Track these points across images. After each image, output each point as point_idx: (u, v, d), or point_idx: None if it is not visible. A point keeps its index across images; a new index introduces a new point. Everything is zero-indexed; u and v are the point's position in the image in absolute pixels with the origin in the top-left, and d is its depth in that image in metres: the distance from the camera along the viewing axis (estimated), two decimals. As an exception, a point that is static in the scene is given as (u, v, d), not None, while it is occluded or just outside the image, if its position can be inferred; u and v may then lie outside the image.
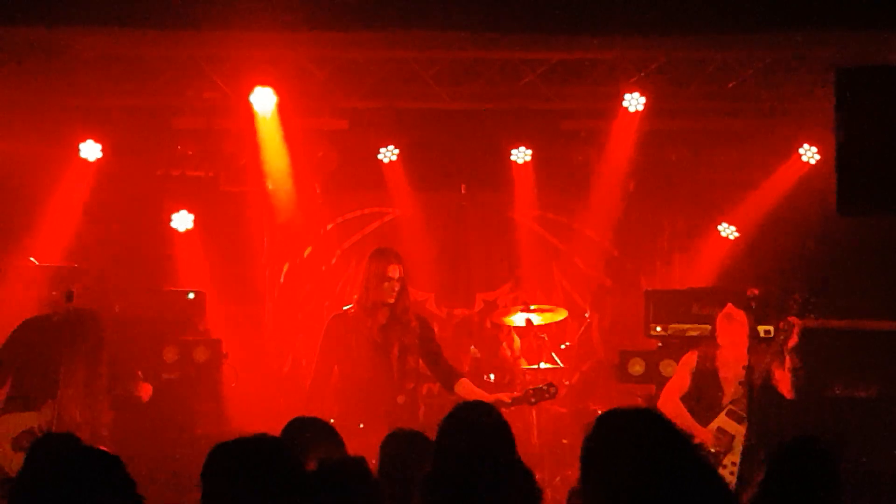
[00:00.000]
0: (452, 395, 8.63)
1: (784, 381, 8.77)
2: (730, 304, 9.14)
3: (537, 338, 11.76)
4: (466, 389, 8.49)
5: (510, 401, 8.39)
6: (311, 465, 4.80)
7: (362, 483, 4.69)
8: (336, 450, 5.50)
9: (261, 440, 3.80)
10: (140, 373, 9.11)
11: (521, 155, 12.31)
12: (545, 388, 8.56)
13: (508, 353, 11.49)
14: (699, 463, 3.74)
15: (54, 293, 9.64)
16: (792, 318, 8.65)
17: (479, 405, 5.14)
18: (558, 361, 11.65)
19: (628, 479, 3.60)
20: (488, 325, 12.10)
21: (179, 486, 9.15)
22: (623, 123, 11.72)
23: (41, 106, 11.51)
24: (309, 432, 5.60)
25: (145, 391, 9.10)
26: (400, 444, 5.58)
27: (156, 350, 11.26)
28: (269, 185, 12.46)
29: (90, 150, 11.88)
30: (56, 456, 4.55)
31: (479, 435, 4.84)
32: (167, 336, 11.33)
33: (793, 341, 8.66)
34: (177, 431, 11.10)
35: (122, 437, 10.49)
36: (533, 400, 8.62)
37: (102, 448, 5.33)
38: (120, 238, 12.04)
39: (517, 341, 11.62)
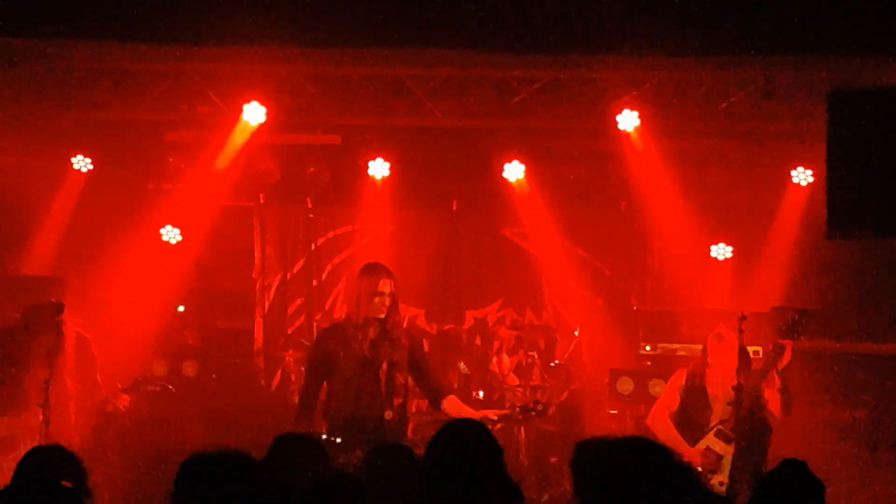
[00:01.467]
0: (440, 412, 8.61)
1: (774, 402, 8.77)
2: (721, 325, 9.15)
3: (527, 356, 11.78)
4: (454, 406, 8.46)
5: (497, 418, 8.36)
6: (302, 481, 4.79)
7: (354, 499, 4.69)
8: (324, 465, 5.50)
9: (231, 456, 3.74)
10: (119, 384, 9.07)
11: (513, 172, 12.32)
12: (532, 405, 8.53)
13: (497, 370, 11.49)
14: (696, 486, 3.77)
15: (43, 305, 9.63)
16: (783, 340, 8.65)
17: (468, 423, 5.15)
18: (547, 378, 11.68)
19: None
20: (477, 342, 12.10)
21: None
22: (615, 143, 11.74)
23: (34, 118, 11.52)
24: (297, 448, 5.59)
25: (121, 401, 9.05)
26: (385, 458, 5.57)
27: (145, 363, 11.25)
28: (261, 200, 12.47)
29: (82, 163, 11.90)
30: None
31: (467, 452, 4.84)
32: (156, 349, 11.32)
33: (783, 362, 8.66)
34: (164, 445, 11.08)
35: (109, 450, 10.50)
36: (520, 417, 8.60)
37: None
38: (110, 251, 12.03)
39: (506, 359, 11.62)
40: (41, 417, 8.43)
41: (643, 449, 3.86)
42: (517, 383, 11.19)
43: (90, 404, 9.00)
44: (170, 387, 10.14)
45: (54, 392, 8.53)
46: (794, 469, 4.62)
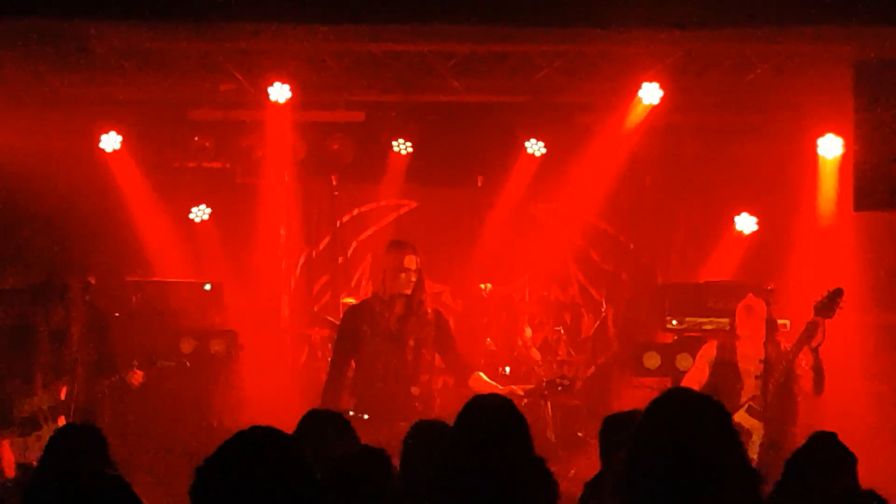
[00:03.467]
0: (466, 388, 8.62)
1: (806, 379, 8.72)
2: (750, 295, 9.09)
3: (553, 331, 11.78)
4: (480, 383, 8.48)
5: (523, 393, 8.37)
6: (330, 458, 4.80)
7: (384, 475, 4.70)
8: (351, 442, 5.51)
9: (262, 435, 3.72)
10: (136, 361, 9.06)
11: (536, 148, 12.30)
12: (559, 380, 8.53)
13: (520, 342, 11.47)
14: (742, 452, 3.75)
15: (70, 282, 9.67)
16: (817, 318, 8.57)
17: (495, 398, 5.14)
18: (573, 353, 11.68)
19: (680, 460, 3.59)
20: (504, 317, 12.09)
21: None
22: (639, 116, 11.71)
23: (60, 98, 11.55)
24: (325, 425, 5.61)
25: (135, 378, 9.03)
26: (425, 435, 5.56)
27: (172, 341, 11.29)
28: (286, 178, 12.49)
29: (109, 142, 11.93)
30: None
31: (495, 428, 4.84)
32: (184, 327, 11.36)
33: (817, 340, 8.59)
34: (192, 422, 11.14)
35: (137, 426, 10.57)
36: (546, 392, 8.61)
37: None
38: (137, 229, 12.08)
39: (528, 331, 11.60)
40: (67, 394, 8.50)
41: (682, 399, 3.83)
42: (540, 359, 11.18)
43: (107, 382, 9.00)
44: (186, 363, 10.10)
45: (82, 368, 8.60)
46: (826, 442, 4.58)
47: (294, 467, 3.54)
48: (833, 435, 4.66)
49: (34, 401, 8.64)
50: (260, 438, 3.59)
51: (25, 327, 8.85)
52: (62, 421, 8.46)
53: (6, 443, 8.48)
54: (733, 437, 3.75)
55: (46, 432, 8.25)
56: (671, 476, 3.61)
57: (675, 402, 3.83)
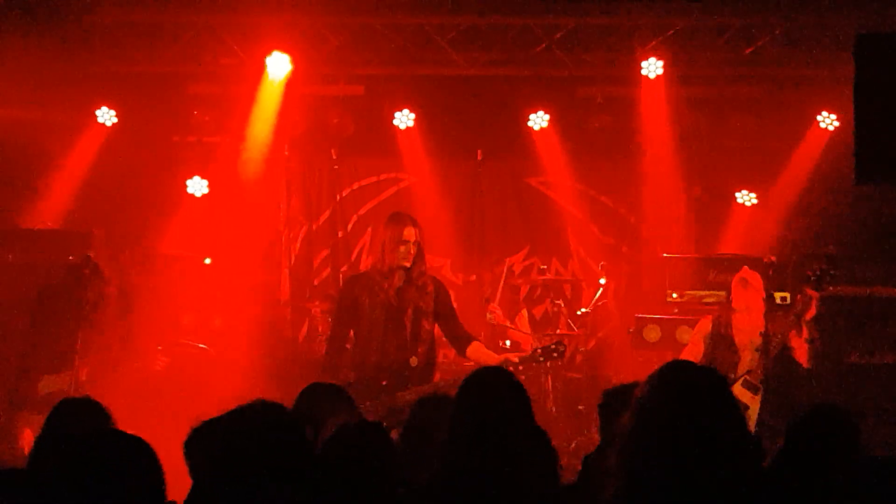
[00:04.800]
0: (465, 358, 8.64)
1: (801, 351, 8.73)
2: (745, 268, 9.08)
3: (553, 305, 11.78)
4: (478, 352, 8.48)
5: (518, 360, 8.37)
6: (329, 431, 4.81)
7: (381, 447, 4.70)
8: (351, 415, 5.52)
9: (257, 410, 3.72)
10: (160, 346, 9.08)
11: (537, 121, 12.28)
12: (553, 346, 8.48)
13: (494, 320, 11.42)
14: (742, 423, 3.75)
15: (70, 257, 9.68)
16: (810, 290, 8.58)
17: (495, 370, 5.14)
18: (573, 326, 11.68)
19: (682, 429, 3.60)
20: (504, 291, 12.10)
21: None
22: (640, 90, 11.68)
23: (58, 71, 11.52)
24: (325, 398, 5.61)
25: (160, 363, 9.04)
26: (428, 408, 5.57)
27: (172, 316, 11.30)
28: (286, 152, 12.47)
29: (106, 116, 11.91)
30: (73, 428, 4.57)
31: (496, 401, 4.84)
32: (184, 302, 11.35)
33: (811, 313, 8.60)
34: (193, 398, 11.15)
35: (136, 403, 10.57)
36: (541, 359, 8.55)
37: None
38: (135, 204, 12.06)
39: (524, 314, 11.60)
40: (83, 375, 8.50)
41: (682, 371, 3.83)
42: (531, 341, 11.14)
43: (129, 365, 8.98)
44: (205, 346, 10.12)
45: (95, 349, 8.59)
46: (828, 414, 4.55)
47: (288, 436, 3.55)
48: (836, 407, 4.63)
49: (56, 379, 8.65)
50: (259, 408, 3.61)
51: (47, 304, 8.83)
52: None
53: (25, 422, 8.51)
54: (734, 409, 3.75)
55: None
56: (672, 447, 3.61)
57: (676, 373, 3.84)
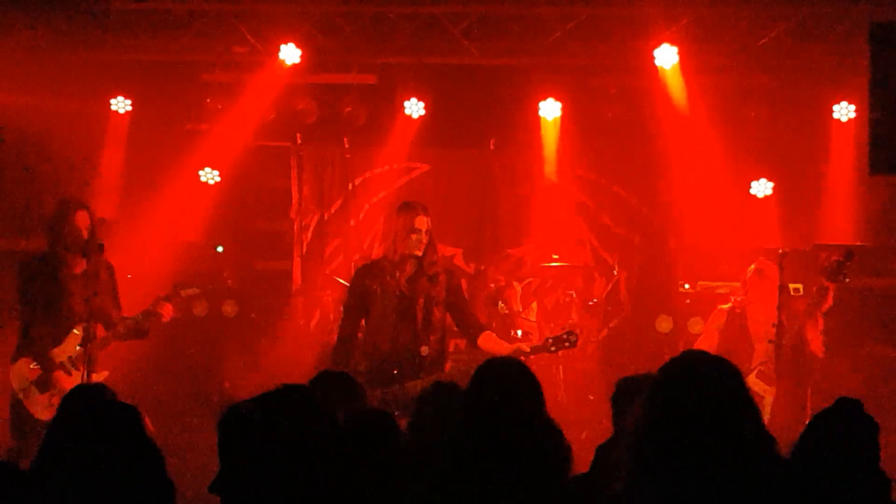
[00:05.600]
0: (476, 348, 8.62)
1: (816, 342, 8.71)
2: (761, 259, 9.07)
3: (565, 295, 11.76)
4: (489, 342, 8.48)
5: (529, 350, 8.36)
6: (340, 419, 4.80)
7: (388, 436, 4.70)
8: (362, 404, 5.51)
9: (287, 392, 3.74)
10: (161, 293, 9.01)
11: (549, 111, 12.25)
12: (565, 336, 8.47)
13: (506, 309, 11.40)
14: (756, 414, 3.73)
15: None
16: (827, 281, 8.55)
17: (509, 361, 5.13)
18: (585, 316, 11.65)
19: (693, 419, 3.58)
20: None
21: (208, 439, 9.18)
22: (653, 80, 11.64)
23: (71, 60, 11.53)
24: (335, 386, 5.60)
25: (166, 310, 8.97)
26: (438, 397, 5.56)
27: (184, 303, 11.31)
28: (298, 140, 12.47)
29: (120, 105, 11.91)
30: (86, 410, 4.57)
31: (509, 390, 4.83)
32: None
33: (827, 304, 8.57)
34: (204, 384, 11.17)
35: (150, 388, 10.59)
36: (553, 348, 8.54)
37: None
38: (149, 191, 12.07)
39: (534, 306, 11.59)
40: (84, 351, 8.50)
41: (697, 361, 3.81)
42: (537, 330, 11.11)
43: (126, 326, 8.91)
44: (210, 286, 9.95)
45: (96, 321, 8.62)
46: (850, 408, 4.46)
47: (321, 422, 3.57)
48: (857, 402, 4.55)
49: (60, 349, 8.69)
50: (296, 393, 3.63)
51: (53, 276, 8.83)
52: (81, 369, 8.52)
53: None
54: (748, 400, 3.73)
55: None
56: (685, 438, 3.60)
57: (690, 364, 3.81)
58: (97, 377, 8.56)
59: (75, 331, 8.63)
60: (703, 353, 3.96)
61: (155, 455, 3.97)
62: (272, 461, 3.50)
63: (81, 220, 8.80)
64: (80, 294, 8.54)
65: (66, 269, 8.74)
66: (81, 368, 8.45)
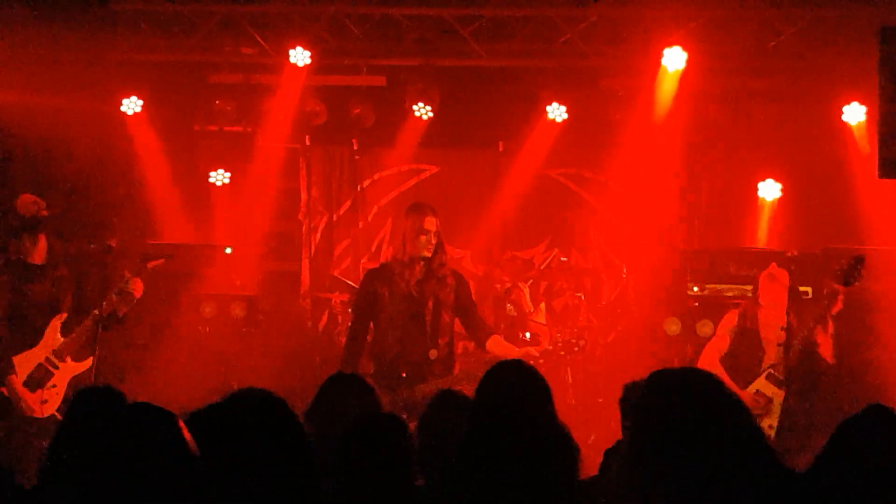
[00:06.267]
0: (484, 351, 8.61)
1: (826, 346, 8.70)
2: (773, 264, 9.07)
3: (573, 297, 11.74)
4: (498, 345, 8.48)
5: (538, 354, 8.36)
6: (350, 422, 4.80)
7: (399, 439, 4.69)
8: (373, 406, 5.51)
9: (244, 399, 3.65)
10: (126, 272, 8.91)
11: (558, 113, 12.23)
12: (574, 340, 8.48)
13: (514, 311, 11.38)
14: (749, 424, 3.69)
15: (92, 245, 9.68)
16: (837, 285, 8.53)
17: (519, 364, 5.13)
18: (593, 319, 11.64)
19: (680, 438, 3.56)
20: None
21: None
22: (662, 82, 11.62)
23: (82, 60, 11.52)
24: (348, 390, 5.60)
25: (135, 287, 8.87)
26: (446, 405, 5.56)
27: (193, 305, 11.32)
28: (307, 142, 12.48)
29: (130, 105, 11.90)
30: (100, 412, 4.55)
31: (518, 394, 4.83)
32: (204, 291, 11.37)
33: (837, 308, 8.56)
34: (211, 386, 11.16)
35: (157, 390, 10.59)
36: (562, 353, 8.55)
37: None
38: (157, 192, 12.07)
39: (542, 307, 11.56)
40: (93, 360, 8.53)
41: (696, 380, 3.79)
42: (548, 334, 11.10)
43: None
44: (170, 255, 9.70)
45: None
46: (881, 416, 4.34)
47: (285, 428, 3.53)
48: (889, 410, 4.43)
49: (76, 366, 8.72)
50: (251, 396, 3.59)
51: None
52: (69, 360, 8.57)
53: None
54: (733, 408, 3.70)
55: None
56: (669, 455, 3.58)
57: (663, 382, 3.79)
58: (83, 365, 8.61)
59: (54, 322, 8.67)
60: (674, 370, 3.93)
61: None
62: (233, 469, 3.47)
63: (22, 205, 8.78)
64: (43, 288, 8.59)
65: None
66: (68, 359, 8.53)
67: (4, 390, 8.50)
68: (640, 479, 3.59)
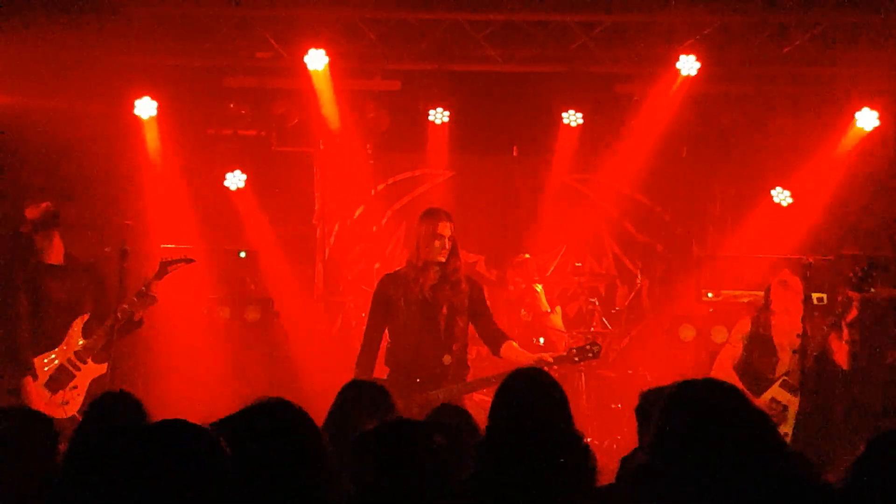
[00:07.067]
0: (498, 357, 8.60)
1: (841, 353, 8.69)
2: (786, 270, 9.07)
3: (587, 302, 11.74)
4: (512, 351, 8.46)
5: (552, 360, 8.34)
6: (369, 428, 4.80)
7: (419, 446, 4.69)
8: (391, 413, 5.51)
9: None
10: (146, 276, 8.97)
11: (572, 118, 12.23)
12: (588, 346, 8.45)
13: (528, 316, 11.37)
14: (774, 438, 3.68)
15: (107, 249, 9.72)
16: (851, 292, 8.53)
17: (536, 372, 5.13)
18: (607, 325, 11.64)
19: (705, 451, 3.56)
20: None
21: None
22: (676, 88, 11.62)
23: (96, 64, 11.55)
24: (365, 395, 5.61)
25: (156, 289, 8.87)
26: (459, 413, 5.57)
27: (208, 308, 11.35)
28: (321, 146, 12.49)
29: (144, 108, 11.91)
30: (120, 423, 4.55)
31: (535, 402, 4.84)
32: (219, 294, 11.38)
33: (852, 315, 8.56)
34: (226, 389, 11.18)
35: (170, 393, 10.61)
36: (577, 359, 8.52)
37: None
38: (172, 196, 12.09)
39: (558, 310, 11.55)
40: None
41: (716, 390, 3.79)
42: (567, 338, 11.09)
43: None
44: (189, 259, 9.68)
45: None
46: None
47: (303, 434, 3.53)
48: None
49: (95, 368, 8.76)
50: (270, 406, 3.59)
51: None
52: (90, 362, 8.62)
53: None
54: (759, 429, 3.69)
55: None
56: (693, 467, 3.58)
57: (687, 395, 3.78)
58: (103, 367, 8.66)
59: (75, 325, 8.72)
60: (706, 384, 3.91)
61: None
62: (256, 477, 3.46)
63: (29, 212, 8.85)
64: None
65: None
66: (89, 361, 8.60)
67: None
68: (662, 491, 3.59)
